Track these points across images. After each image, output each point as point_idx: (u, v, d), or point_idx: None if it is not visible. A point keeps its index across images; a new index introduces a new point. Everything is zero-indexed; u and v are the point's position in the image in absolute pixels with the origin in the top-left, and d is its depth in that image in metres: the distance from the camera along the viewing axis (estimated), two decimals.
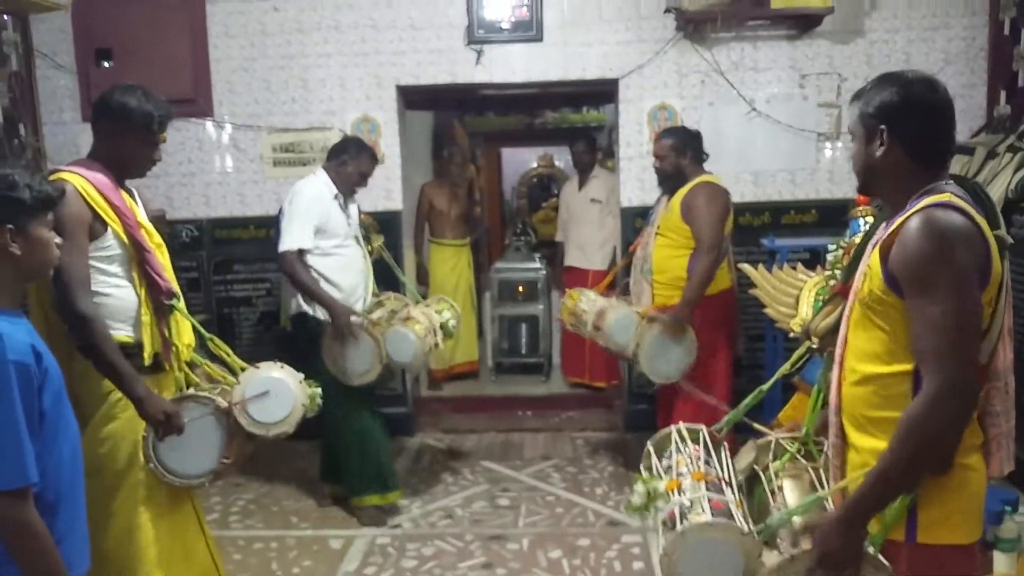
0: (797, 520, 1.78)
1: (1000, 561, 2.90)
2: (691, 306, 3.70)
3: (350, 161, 3.76)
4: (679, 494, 1.90)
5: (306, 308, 3.71)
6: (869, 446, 1.69)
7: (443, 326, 3.82)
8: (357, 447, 3.83)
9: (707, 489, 1.89)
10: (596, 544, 3.63)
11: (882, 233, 1.73)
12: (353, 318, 3.60)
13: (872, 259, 1.70)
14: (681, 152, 3.89)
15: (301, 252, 3.61)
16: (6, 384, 1.64)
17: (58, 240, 1.87)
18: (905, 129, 1.67)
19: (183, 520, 2.61)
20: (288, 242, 3.60)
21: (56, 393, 1.78)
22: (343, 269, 3.73)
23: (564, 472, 4.47)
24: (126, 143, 2.45)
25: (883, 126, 1.68)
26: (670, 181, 3.93)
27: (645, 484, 1.96)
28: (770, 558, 1.75)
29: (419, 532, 3.80)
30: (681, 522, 1.81)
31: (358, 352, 3.63)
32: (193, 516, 2.66)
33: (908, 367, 1.64)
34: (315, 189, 3.70)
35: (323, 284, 3.66)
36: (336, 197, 3.74)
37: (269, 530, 3.86)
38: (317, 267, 3.66)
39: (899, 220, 1.64)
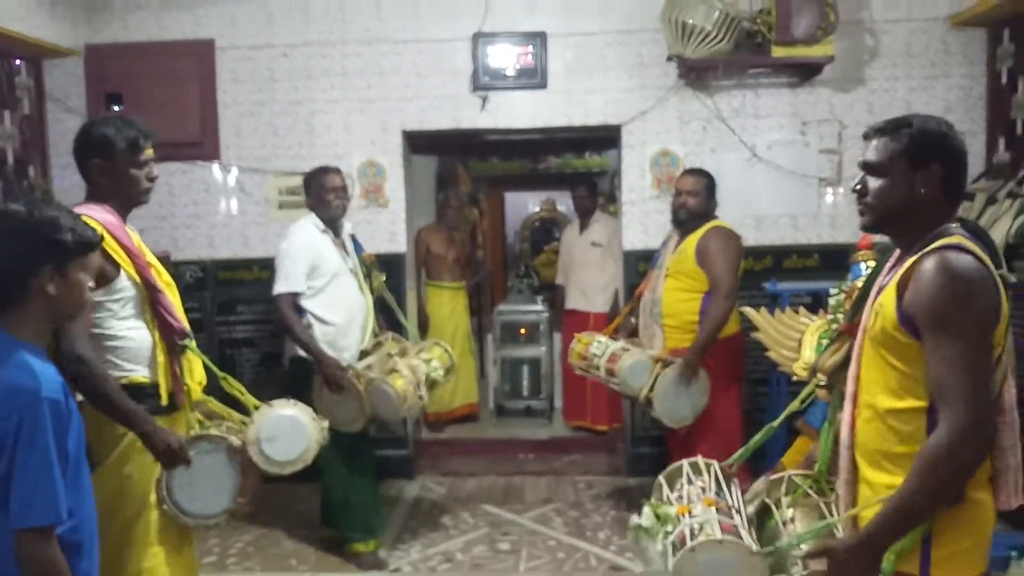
0: (806, 544, 1.78)
1: None
2: (704, 350, 3.70)
3: (311, 191, 3.84)
4: (690, 517, 1.90)
5: (302, 353, 3.70)
6: (882, 481, 1.71)
7: (428, 377, 3.79)
8: (341, 492, 3.81)
9: (717, 514, 1.89)
10: None
11: (889, 273, 1.74)
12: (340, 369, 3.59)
13: (885, 297, 1.72)
14: (712, 193, 3.95)
15: (295, 296, 3.64)
16: (42, 421, 1.65)
17: (91, 283, 1.88)
18: (953, 165, 1.72)
19: (188, 563, 2.59)
20: (280, 286, 3.64)
21: (79, 436, 1.78)
22: (335, 307, 3.73)
23: (566, 516, 4.43)
24: (119, 171, 2.43)
25: (937, 162, 1.71)
26: (693, 221, 3.91)
27: (654, 508, 1.96)
28: None
29: None
30: (691, 542, 1.81)
31: (343, 403, 3.62)
32: (193, 559, 2.64)
33: (922, 403, 1.67)
34: (304, 230, 3.75)
35: (316, 326, 3.67)
36: (324, 232, 3.78)
37: (267, 572, 3.81)
38: (310, 308, 3.68)
39: (911, 260, 1.67)
